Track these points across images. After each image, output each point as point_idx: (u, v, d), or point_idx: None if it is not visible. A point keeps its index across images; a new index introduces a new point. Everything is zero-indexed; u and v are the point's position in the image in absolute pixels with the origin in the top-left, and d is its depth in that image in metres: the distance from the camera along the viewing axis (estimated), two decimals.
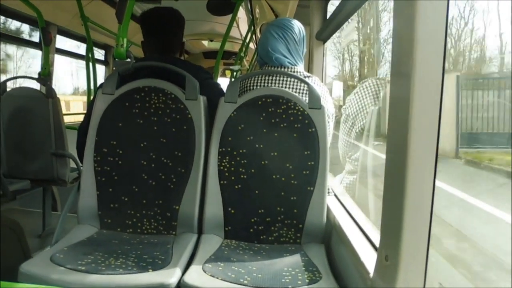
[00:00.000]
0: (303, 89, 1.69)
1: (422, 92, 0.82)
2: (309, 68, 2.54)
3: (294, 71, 1.71)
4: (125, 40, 1.69)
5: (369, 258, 1.11)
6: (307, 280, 1.22)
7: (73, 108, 5.67)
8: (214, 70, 3.37)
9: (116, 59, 1.68)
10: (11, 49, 3.33)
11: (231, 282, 1.20)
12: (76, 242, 1.41)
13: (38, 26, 3.05)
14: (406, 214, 0.85)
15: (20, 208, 2.95)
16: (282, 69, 1.72)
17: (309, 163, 1.54)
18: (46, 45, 3.03)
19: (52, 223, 2.80)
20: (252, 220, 1.55)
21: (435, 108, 0.83)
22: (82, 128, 1.75)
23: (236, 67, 5.00)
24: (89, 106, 1.75)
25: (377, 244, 1.18)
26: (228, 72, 6.97)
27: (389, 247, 0.91)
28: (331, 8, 2.35)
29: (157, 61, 1.70)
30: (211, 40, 6.05)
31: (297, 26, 1.78)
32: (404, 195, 0.85)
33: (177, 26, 1.88)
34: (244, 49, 4.65)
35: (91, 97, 3.52)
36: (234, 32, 4.84)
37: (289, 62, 1.74)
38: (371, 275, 1.01)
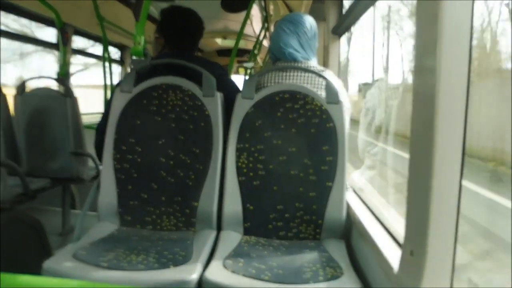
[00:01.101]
0: (320, 84, 1.68)
1: (447, 88, 0.80)
2: (324, 63, 2.52)
3: (307, 66, 1.71)
4: (142, 38, 1.69)
5: (392, 254, 1.10)
6: (328, 276, 1.21)
7: None
8: (228, 68, 3.37)
9: (133, 57, 1.69)
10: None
11: (252, 278, 1.19)
12: (98, 239, 1.42)
13: (55, 26, 3.09)
14: (432, 208, 0.83)
15: (40, 207, 2.99)
16: (296, 63, 1.71)
17: (327, 159, 1.53)
18: (64, 45, 3.07)
19: (72, 221, 2.84)
20: (271, 216, 1.55)
21: (462, 103, 0.81)
22: (100, 127, 1.77)
23: (249, 64, 4.99)
24: (107, 105, 1.76)
25: (399, 239, 1.17)
26: (241, 70, 6.97)
27: (415, 241, 0.90)
28: (345, 3, 2.33)
29: (174, 58, 1.70)
30: (225, 38, 6.05)
31: (309, 20, 1.77)
32: (430, 190, 0.83)
33: (196, 28, 1.91)
34: (257, 46, 4.64)
35: (108, 97, 3.57)
36: (247, 30, 4.83)
37: (302, 57, 1.74)
38: (395, 271, 1.00)
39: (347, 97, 1.75)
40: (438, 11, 0.79)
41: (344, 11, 2.31)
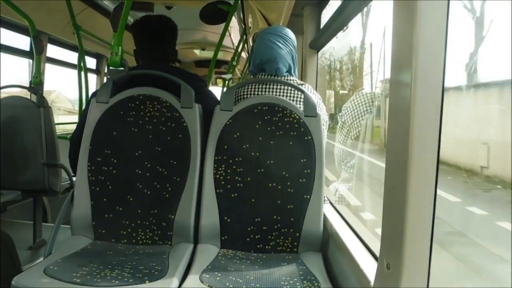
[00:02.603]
0: (298, 97, 1.69)
1: (422, 99, 0.82)
2: (302, 77, 2.55)
3: (288, 79, 1.72)
4: (120, 48, 1.68)
5: (368, 266, 1.10)
6: None
7: None
8: (206, 79, 3.36)
9: (111, 68, 1.67)
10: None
11: None
12: (70, 254, 1.38)
13: (29, 34, 3.02)
14: (408, 221, 0.84)
15: (10, 220, 2.89)
16: (279, 77, 1.72)
17: (305, 171, 1.54)
18: (38, 54, 3.00)
19: (43, 234, 2.75)
20: (249, 229, 1.54)
21: (436, 115, 0.83)
22: (74, 137, 1.74)
23: (228, 76, 5.00)
24: (82, 115, 1.73)
25: (376, 252, 1.18)
26: (219, 81, 6.97)
27: (391, 255, 0.90)
28: (324, 17, 2.37)
29: (152, 69, 1.69)
30: (203, 49, 6.05)
31: (293, 36, 1.80)
32: (405, 203, 0.84)
33: (171, 35, 1.88)
34: (236, 58, 4.66)
35: (83, 107, 3.50)
36: (226, 41, 4.85)
37: (288, 72, 1.75)
38: (372, 283, 1.01)
39: (325, 110, 1.77)
40: (413, 28, 0.81)
41: (322, 25, 2.35)
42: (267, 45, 1.74)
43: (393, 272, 0.88)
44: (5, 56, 3.17)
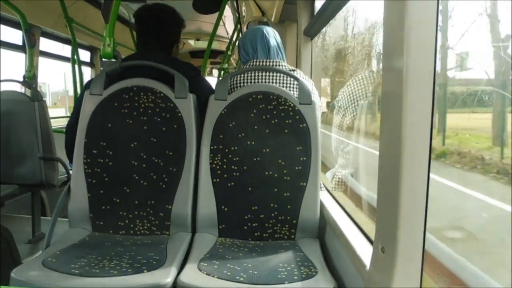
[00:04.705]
0: (292, 84, 1.70)
1: (414, 86, 0.83)
2: (297, 64, 2.55)
3: (279, 65, 1.73)
4: (112, 39, 1.66)
5: (364, 252, 1.12)
6: (303, 275, 1.22)
7: None
8: (201, 69, 3.35)
9: (104, 59, 1.66)
10: None
11: (227, 280, 1.19)
12: (68, 246, 1.39)
13: (21, 28, 3.00)
14: (402, 205, 0.85)
15: (8, 214, 2.90)
16: (272, 63, 1.74)
17: (301, 159, 1.54)
18: (30, 48, 2.98)
19: (42, 228, 2.76)
20: (246, 217, 1.55)
21: (428, 102, 0.84)
22: (69, 126, 1.74)
23: (223, 66, 4.99)
24: (76, 104, 1.73)
25: (372, 237, 1.19)
26: (215, 71, 6.95)
27: (385, 239, 0.91)
28: (318, 4, 2.35)
29: (144, 59, 1.68)
30: (198, 39, 6.02)
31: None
32: (399, 188, 0.85)
33: (168, 24, 1.83)
34: (231, 47, 4.64)
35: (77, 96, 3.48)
36: (220, 31, 4.82)
37: (281, 58, 1.82)
38: (368, 268, 1.02)
39: (318, 96, 1.78)
40: (404, 18, 0.81)
41: (315, 12, 2.34)
42: (256, 34, 1.83)
43: (388, 256, 0.89)
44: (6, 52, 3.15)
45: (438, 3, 0.82)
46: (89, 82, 1.72)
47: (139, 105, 1.59)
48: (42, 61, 3.49)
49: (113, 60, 1.65)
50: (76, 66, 3.58)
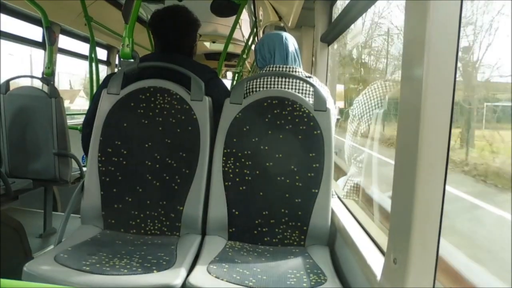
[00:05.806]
0: (308, 90, 1.70)
1: (433, 95, 0.82)
2: (312, 70, 2.54)
3: (295, 71, 1.74)
4: (131, 40, 1.68)
5: (375, 261, 1.11)
6: (312, 283, 1.22)
7: None
8: (217, 72, 3.36)
9: (122, 59, 1.68)
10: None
11: (236, 284, 1.19)
12: (80, 242, 1.40)
13: (41, 25, 3.05)
14: (416, 217, 0.84)
15: (21, 208, 2.94)
16: (289, 69, 1.74)
17: (314, 165, 1.54)
18: (50, 45, 3.02)
19: (53, 223, 2.80)
20: (256, 221, 1.55)
21: (447, 111, 0.83)
22: (86, 121, 1.78)
23: (238, 69, 5.00)
24: (93, 99, 1.76)
25: (383, 247, 1.18)
26: (229, 73, 6.98)
27: (398, 250, 0.91)
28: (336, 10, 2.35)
29: (162, 60, 1.69)
30: (214, 42, 6.05)
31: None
32: (414, 199, 0.84)
33: (186, 26, 1.85)
34: (246, 51, 4.65)
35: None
36: (236, 34, 4.84)
37: (298, 64, 1.83)
38: (378, 278, 1.01)
39: (333, 104, 1.78)
40: (425, 27, 0.81)
41: (333, 19, 2.34)
42: (274, 40, 1.84)
43: (400, 267, 0.88)
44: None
45: (461, 12, 0.82)
46: (107, 79, 1.74)
47: (155, 106, 1.60)
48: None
49: (131, 60, 1.67)
50: (93, 64, 3.62)
